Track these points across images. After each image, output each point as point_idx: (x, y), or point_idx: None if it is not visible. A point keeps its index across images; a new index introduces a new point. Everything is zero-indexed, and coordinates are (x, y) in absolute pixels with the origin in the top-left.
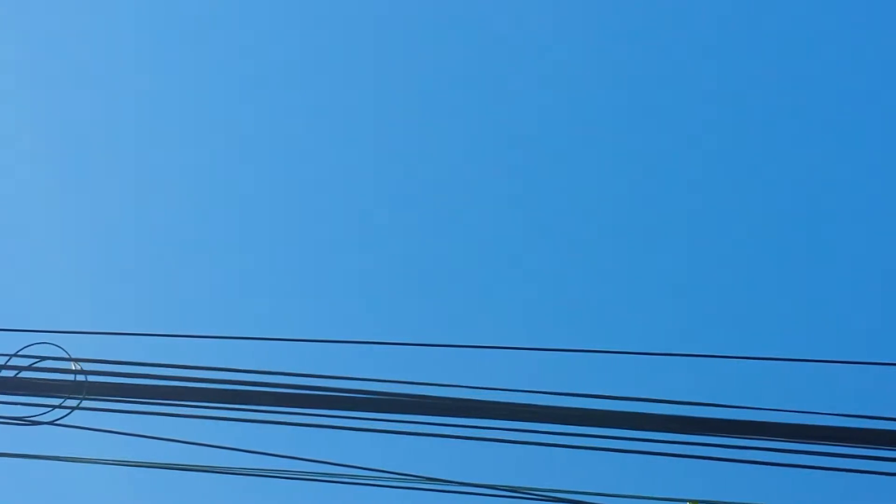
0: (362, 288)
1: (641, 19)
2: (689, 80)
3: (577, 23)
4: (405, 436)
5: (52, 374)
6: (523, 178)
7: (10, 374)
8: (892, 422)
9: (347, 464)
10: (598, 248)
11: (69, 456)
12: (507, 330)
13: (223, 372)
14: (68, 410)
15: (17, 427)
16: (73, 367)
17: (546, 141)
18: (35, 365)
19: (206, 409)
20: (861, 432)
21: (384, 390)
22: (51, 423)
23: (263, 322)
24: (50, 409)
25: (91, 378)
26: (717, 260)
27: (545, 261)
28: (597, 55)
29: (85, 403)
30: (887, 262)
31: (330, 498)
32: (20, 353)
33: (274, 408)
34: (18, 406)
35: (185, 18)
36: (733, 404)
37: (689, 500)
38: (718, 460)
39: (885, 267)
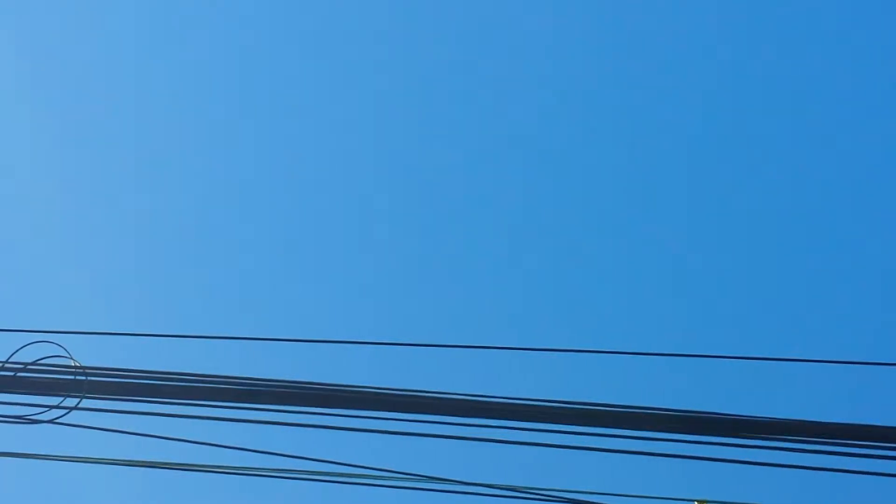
0: (363, 288)
1: (641, 19)
2: (688, 80)
3: (576, 23)
4: (408, 436)
5: (52, 372)
6: (523, 178)
7: (10, 372)
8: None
9: (350, 463)
10: (597, 248)
11: (69, 455)
12: (506, 330)
13: (223, 371)
14: (68, 409)
15: (17, 426)
16: (73, 366)
17: (546, 141)
18: (35, 364)
19: (206, 408)
20: (861, 433)
21: (385, 390)
22: (50, 421)
23: (263, 322)
24: (49, 408)
25: (91, 377)
26: (717, 260)
27: (545, 261)
28: (596, 55)
29: (84, 402)
30: (887, 262)
31: (332, 498)
32: (20, 352)
33: (275, 407)
34: (18, 405)
35: (185, 18)
36: (733, 404)
37: (696, 500)
38: (719, 461)
39: (886, 267)
